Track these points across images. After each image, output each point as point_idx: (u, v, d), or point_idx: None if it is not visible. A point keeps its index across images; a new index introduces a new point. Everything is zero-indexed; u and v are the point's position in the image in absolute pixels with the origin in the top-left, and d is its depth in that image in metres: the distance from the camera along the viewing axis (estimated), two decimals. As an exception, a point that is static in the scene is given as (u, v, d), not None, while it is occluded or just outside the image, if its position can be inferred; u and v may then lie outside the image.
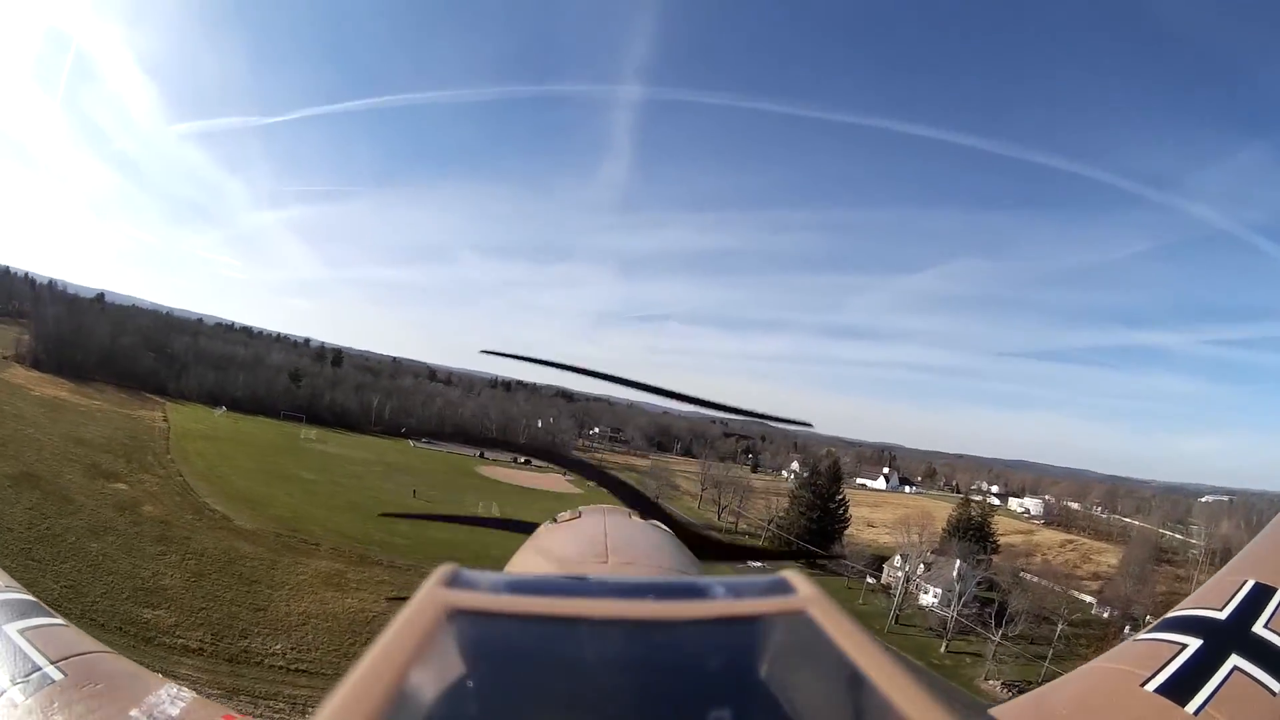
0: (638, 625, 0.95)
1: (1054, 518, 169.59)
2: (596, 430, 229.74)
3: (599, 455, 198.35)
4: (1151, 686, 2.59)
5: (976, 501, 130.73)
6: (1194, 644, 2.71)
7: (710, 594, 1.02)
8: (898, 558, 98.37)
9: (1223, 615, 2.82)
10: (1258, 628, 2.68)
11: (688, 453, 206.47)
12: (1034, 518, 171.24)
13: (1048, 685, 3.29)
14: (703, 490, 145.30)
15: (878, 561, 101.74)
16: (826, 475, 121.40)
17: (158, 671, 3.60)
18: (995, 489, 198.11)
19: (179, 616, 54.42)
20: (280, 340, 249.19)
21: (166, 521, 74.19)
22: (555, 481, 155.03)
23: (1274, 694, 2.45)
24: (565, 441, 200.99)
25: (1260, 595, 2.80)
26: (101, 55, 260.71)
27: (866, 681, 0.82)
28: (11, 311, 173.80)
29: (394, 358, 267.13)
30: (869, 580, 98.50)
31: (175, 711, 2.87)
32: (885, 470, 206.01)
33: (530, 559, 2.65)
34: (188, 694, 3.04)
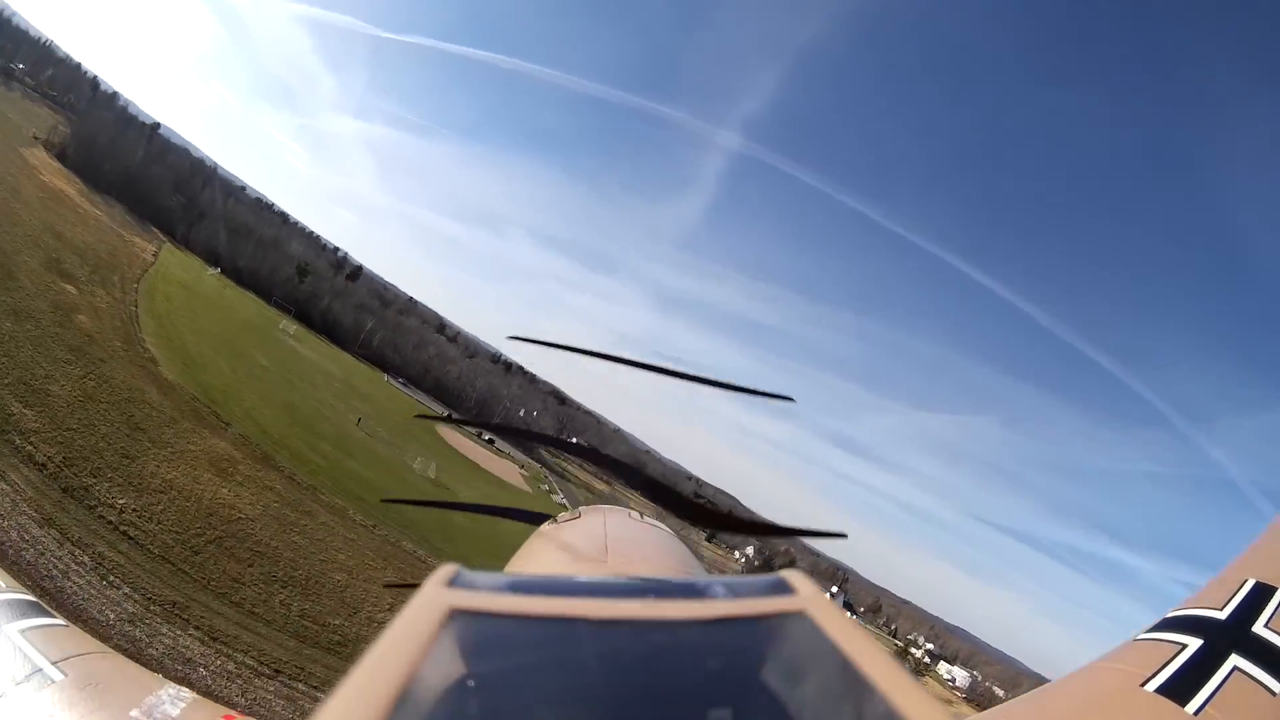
0: (638, 625, 0.97)
1: (978, 696, 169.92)
2: (576, 440, 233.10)
3: (565, 464, 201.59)
4: (1151, 686, 2.64)
5: (912, 655, 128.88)
6: (1194, 644, 2.77)
7: (710, 594, 1.04)
8: None
9: (1223, 615, 2.88)
10: (1258, 627, 2.74)
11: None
12: (957, 688, 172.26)
13: (1048, 685, 3.34)
14: None
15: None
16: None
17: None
18: (930, 647, 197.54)
19: (44, 424, 53.46)
20: (310, 237, 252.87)
21: (91, 337, 73.65)
22: (508, 471, 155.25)
23: (1274, 694, 2.51)
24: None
25: (1261, 595, 2.88)
26: None
27: (866, 681, 0.84)
28: (65, 104, 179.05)
29: (411, 298, 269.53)
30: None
31: (175, 712, 2.95)
32: (834, 589, 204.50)
33: (530, 559, 2.72)
34: (188, 694, 3.12)
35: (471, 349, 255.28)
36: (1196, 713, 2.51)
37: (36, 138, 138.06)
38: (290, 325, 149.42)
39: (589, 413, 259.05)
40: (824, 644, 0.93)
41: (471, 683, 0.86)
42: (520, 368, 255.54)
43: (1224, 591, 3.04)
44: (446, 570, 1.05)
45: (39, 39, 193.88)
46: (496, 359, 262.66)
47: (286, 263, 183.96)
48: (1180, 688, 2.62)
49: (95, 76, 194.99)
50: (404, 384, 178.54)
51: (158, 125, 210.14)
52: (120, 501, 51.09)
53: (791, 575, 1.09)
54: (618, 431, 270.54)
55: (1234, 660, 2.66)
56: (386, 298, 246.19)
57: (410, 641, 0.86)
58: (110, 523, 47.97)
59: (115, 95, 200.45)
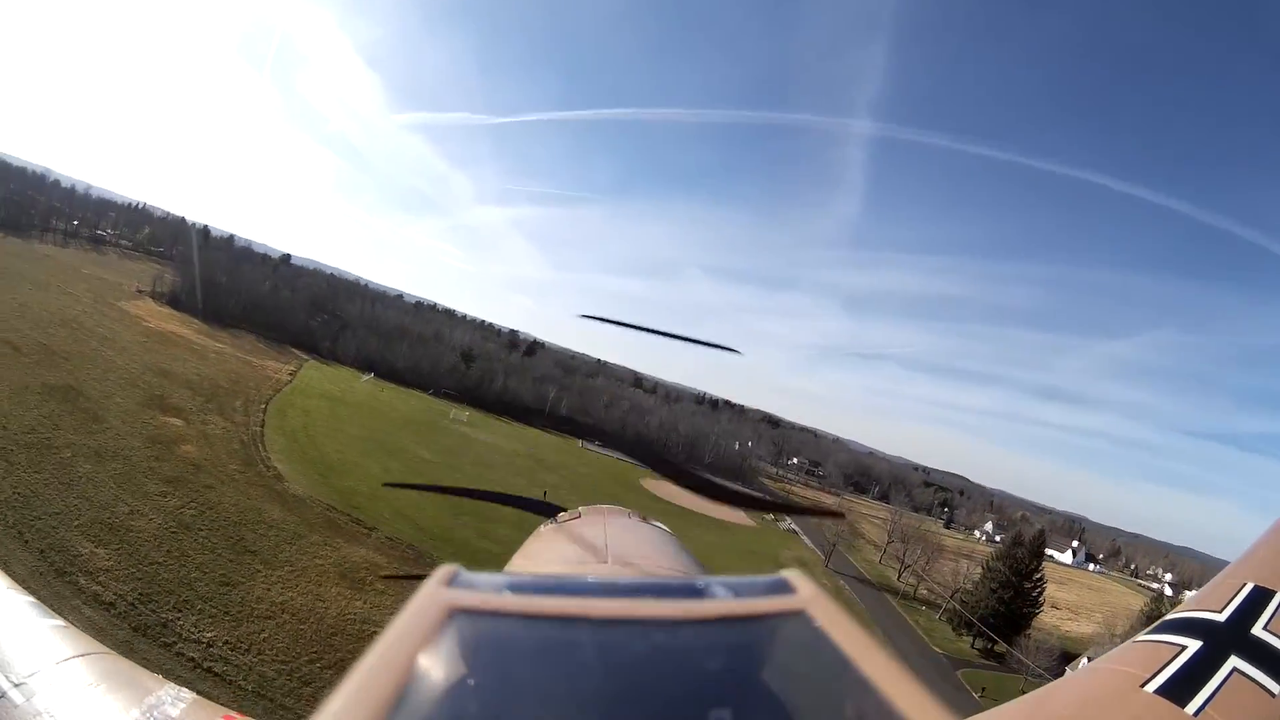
0: (638, 625, 1.02)
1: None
2: (795, 460, 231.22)
3: (791, 487, 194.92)
4: (1151, 687, 2.82)
5: (1160, 596, 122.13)
6: (1194, 645, 2.96)
7: (710, 594, 1.10)
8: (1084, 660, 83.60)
9: (1222, 617, 3.07)
10: (1256, 630, 2.93)
11: (884, 497, 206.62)
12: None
13: (1049, 686, 3.50)
14: (888, 542, 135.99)
15: (1064, 659, 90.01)
16: (1029, 548, 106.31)
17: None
18: (1170, 577, 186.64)
19: (119, 561, 47.83)
20: (479, 325, 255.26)
21: (198, 465, 68.79)
22: (726, 508, 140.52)
23: (1273, 695, 2.67)
24: (757, 468, 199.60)
25: (1259, 598, 3.07)
26: (312, 41, 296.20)
27: (866, 681, 0.89)
28: (171, 256, 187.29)
29: (600, 360, 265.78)
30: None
31: (175, 712, 3.15)
32: (1074, 544, 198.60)
33: (531, 559, 2.98)
34: (188, 695, 3.33)
35: (674, 395, 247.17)
36: (1196, 713, 2.60)
37: (141, 290, 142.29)
38: (462, 413, 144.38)
39: (804, 429, 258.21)
40: (824, 644, 0.97)
41: (471, 682, 0.90)
42: (727, 403, 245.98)
43: (1223, 595, 3.17)
44: (446, 570, 1.10)
45: (129, 204, 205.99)
46: (701, 399, 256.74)
47: (450, 354, 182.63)
48: (1180, 689, 2.73)
49: (205, 225, 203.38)
50: (601, 445, 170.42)
51: (288, 257, 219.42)
52: (208, 635, 43.77)
53: (791, 575, 1.15)
54: (837, 441, 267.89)
55: (1233, 662, 2.78)
56: (571, 365, 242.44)
57: (410, 641, 0.90)
58: (191, 660, 40.94)
59: (231, 238, 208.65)
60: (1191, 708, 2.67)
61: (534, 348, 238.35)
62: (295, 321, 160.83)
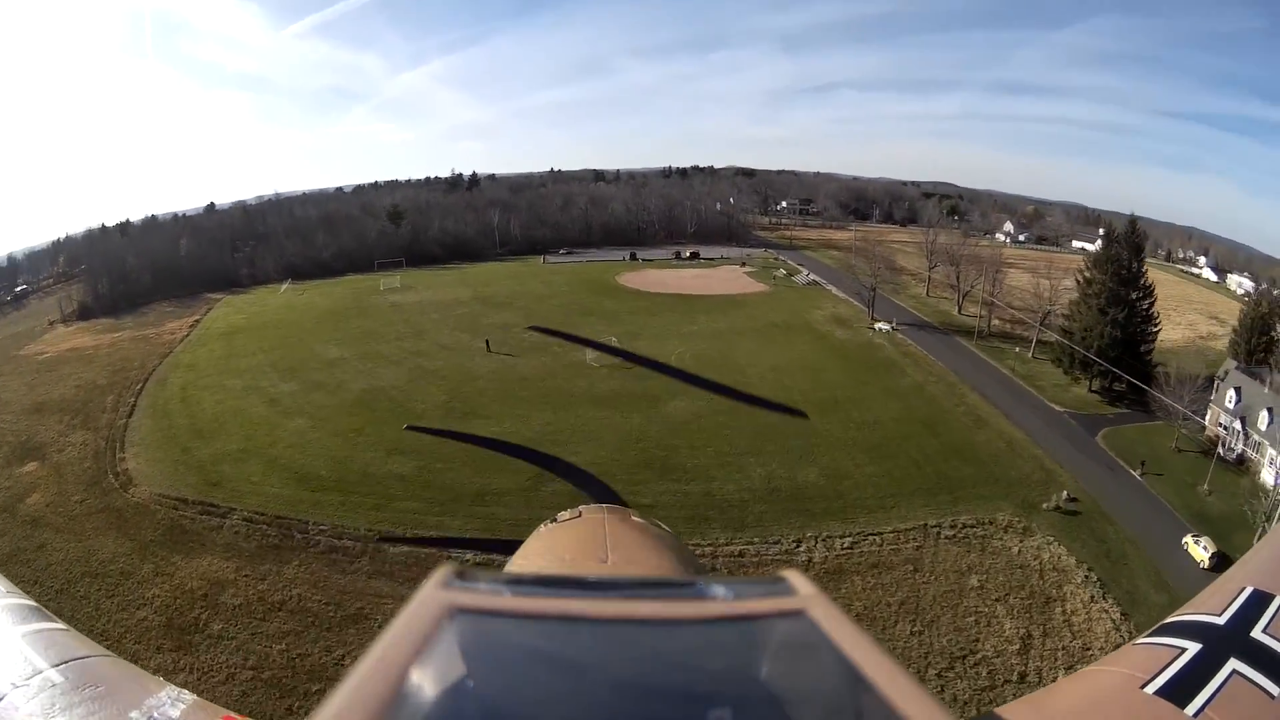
0: (638, 625, 1.01)
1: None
2: (784, 204, 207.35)
3: (789, 232, 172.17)
4: (1151, 689, 2.76)
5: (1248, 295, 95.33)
6: (1193, 648, 2.91)
7: (710, 594, 1.09)
8: (1232, 391, 63.13)
9: (1222, 620, 3.03)
10: (1256, 633, 2.88)
11: (889, 219, 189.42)
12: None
13: (1047, 687, 3.55)
14: (930, 269, 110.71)
15: (1209, 385, 67.27)
16: (1126, 245, 77.31)
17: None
18: (1205, 260, 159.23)
19: None
20: (425, 183, 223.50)
21: (37, 519, 50.05)
22: (728, 279, 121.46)
23: (1272, 697, 2.63)
24: (748, 221, 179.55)
25: (1259, 601, 3.03)
26: (182, 4, 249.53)
27: (866, 681, 0.87)
28: (80, 273, 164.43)
29: (553, 168, 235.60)
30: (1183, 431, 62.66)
31: (175, 713, 3.01)
32: (1100, 231, 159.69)
33: (531, 558, 2.85)
34: (188, 696, 3.17)
35: (640, 179, 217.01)
36: (1196, 715, 2.57)
37: (51, 321, 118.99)
38: (394, 279, 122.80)
39: (783, 172, 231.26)
40: (824, 644, 0.94)
41: (471, 682, 0.88)
42: (695, 168, 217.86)
43: (1222, 598, 3.14)
44: (446, 570, 1.07)
45: (39, 249, 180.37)
46: (666, 173, 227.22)
47: (375, 222, 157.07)
48: (1180, 690, 2.68)
49: (124, 220, 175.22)
50: (567, 253, 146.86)
51: (212, 205, 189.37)
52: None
53: (792, 575, 1.12)
54: (819, 175, 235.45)
55: (1233, 664, 2.74)
56: (522, 184, 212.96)
57: (410, 641, 0.87)
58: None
59: (153, 218, 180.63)
60: (1191, 709, 2.60)
61: (475, 180, 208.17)
62: (211, 266, 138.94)
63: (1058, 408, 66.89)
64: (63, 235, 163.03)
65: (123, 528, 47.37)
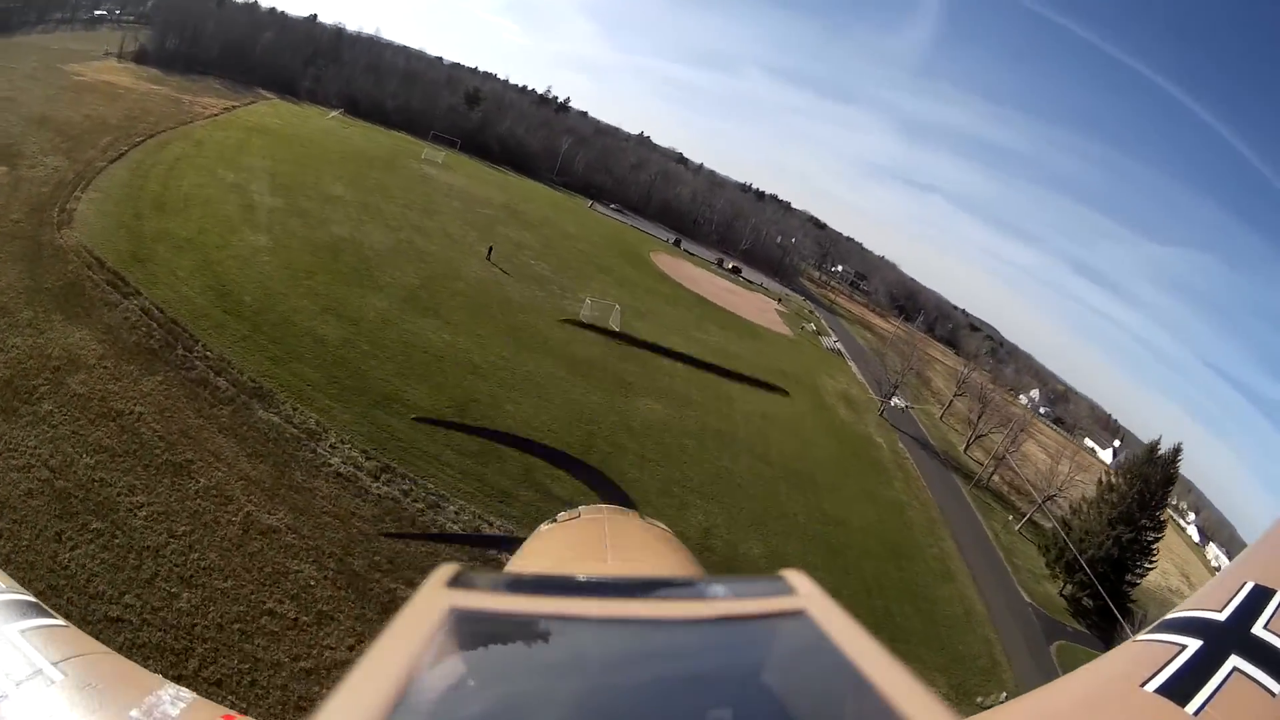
0: (638, 625, 0.99)
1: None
2: (840, 268, 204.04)
3: (834, 295, 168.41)
4: (1151, 687, 2.72)
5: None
6: (1194, 645, 2.85)
7: (710, 594, 1.07)
8: None
9: (1222, 617, 2.95)
10: (1257, 629, 2.81)
11: (930, 330, 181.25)
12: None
13: (1047, 686, 3.42)
14: (955, 395, 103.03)
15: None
16: (1161, 469, 68.32)
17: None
18: (1192, 518, 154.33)
19: None
20: (520, 89, 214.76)
21: None
22: (758, 306, 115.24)
23: (1273, 694, 2.57)
24: (798, 266, 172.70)
25: (1259, 597, 2.94)
26: None
27: (866, 681, 0.86)
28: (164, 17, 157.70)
29: (642, 132, 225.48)
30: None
31: (175, 712, 2.97)
32: (1116, 443, 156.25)
33: (531, 558, 2.82)
34: (188, 694, 3.13)
35: (719, 180, 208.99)
36: (1196, 713, 2.53)
37: (108, 53, 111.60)
38: (438, 154, 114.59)
39: (850, 240, 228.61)
40: (824, 644, 0.93)
41: (471, 682, 0.87)
42: (775, 197, 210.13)
43: (1223, 594, 3.05)
44: (446, 570, 1.06)
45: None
46: (745, 188, 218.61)
47: (452, 95, 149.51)
48: (1180, 688, 2.64)
49: None
50: (617, 208, 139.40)
51: (314, 16, 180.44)
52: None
53: (792, 575, 1.10)
54: (883, 259, 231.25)
55: (1233, 661, 2.67)
56: (606, 129, 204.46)
57: (410, 641, 0.86)
58: None
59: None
60: (1191, 707, 2.56)
61: (566, 105, 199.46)
62: (279, 66, 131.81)
63: (1025, 596, 59.96)
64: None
65: (31, 263, 40.45)
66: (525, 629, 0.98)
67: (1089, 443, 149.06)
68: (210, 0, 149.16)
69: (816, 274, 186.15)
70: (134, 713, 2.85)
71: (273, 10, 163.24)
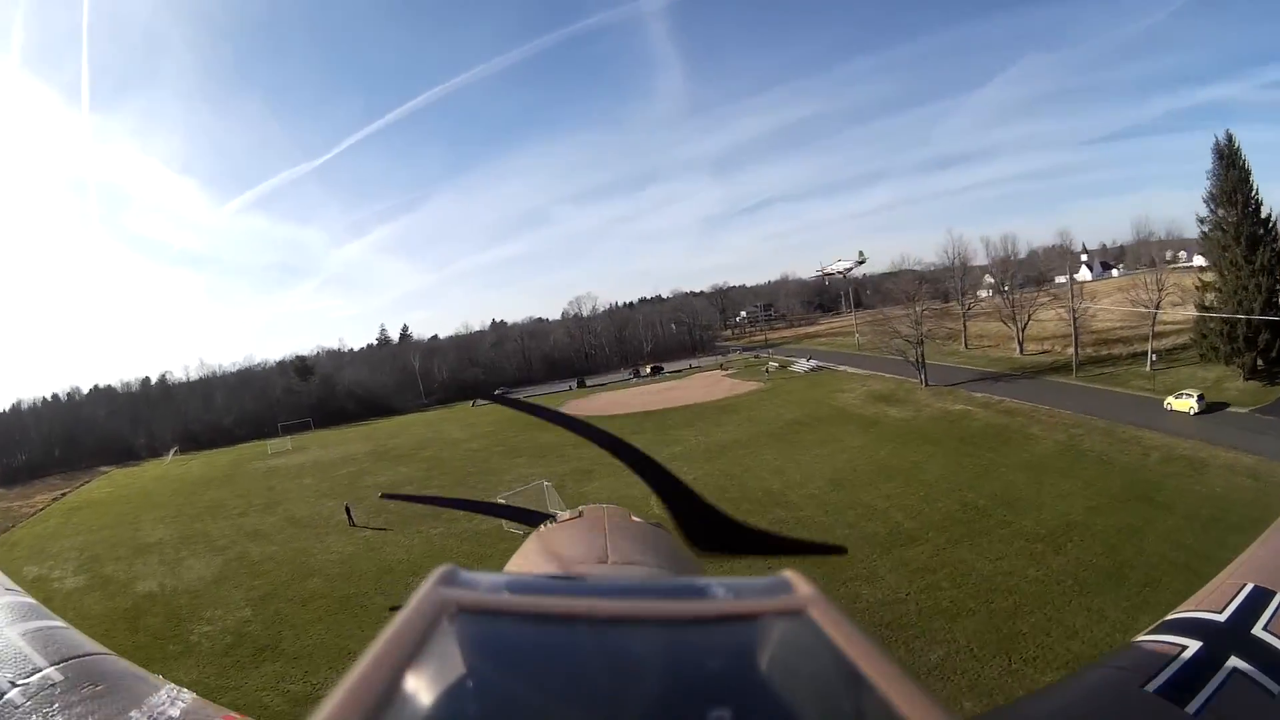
0: (638, 624, 0.97)
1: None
2: (743, 314, 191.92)
3: (761, 335, 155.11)
4: (1151, 688, 2.68)
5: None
6: (1193, 646, 2.82)
7: (710, 593, 1.04)
8: None
9: (1222, 618, 2.95)
10: (1257, 630, 2.81)
11: (858, 305, 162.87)
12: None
13: (1047, 687, 3.41)
14: (966, 313, 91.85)
15: None
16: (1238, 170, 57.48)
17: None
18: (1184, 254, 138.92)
19: None
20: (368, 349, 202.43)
21: None
22: (708, 385, 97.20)
23: (1273, 695, 2.56)
24: (712, 337, 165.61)
25: (1259, 598, 2.96)
26: (125, 178, 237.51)
27: (866, 681, 0.84)
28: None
29: (494, 319, 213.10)
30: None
31: (175, 712, 2.97)
32: (1084, 257, 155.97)
33: (530, 558, 2.76)
34: (188, 695, 3.12)
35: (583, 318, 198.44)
36: (1196, 713, 2.47)
37: None
38: (285, 442, 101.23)
39: (735, 287, 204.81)
40: (824, 644, 0.92)
41: (471, 682, 0.85)
42: (644, 299, 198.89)
43: (1223, 595, 3.06)
44: (445, 570, 1.04)
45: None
46: (612, 311, 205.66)
47: (281, 380, 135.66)
48: (1180, 689, 2.59)
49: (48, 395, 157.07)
50: (503, 393, 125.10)
51: (147, 379, 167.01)
52: None
53: (792, 575, 1.08)
54: (786, 279, 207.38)
55: (1233, 662, 2.65)
56: (457, 338, 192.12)
57: (410, 641, 0.85)
58: None
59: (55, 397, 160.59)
60: (1191, 708, 2.49)
61: (404, 334, 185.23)
62: (110, 438, 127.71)
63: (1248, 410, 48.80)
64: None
65: None
66: (525, 629, 0.96)
67: (1061, 278, 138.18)
68: (20, 409, 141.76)
69: (728, 331, 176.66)
70: (134, 713, 2.80)
71: (96, 388, 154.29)
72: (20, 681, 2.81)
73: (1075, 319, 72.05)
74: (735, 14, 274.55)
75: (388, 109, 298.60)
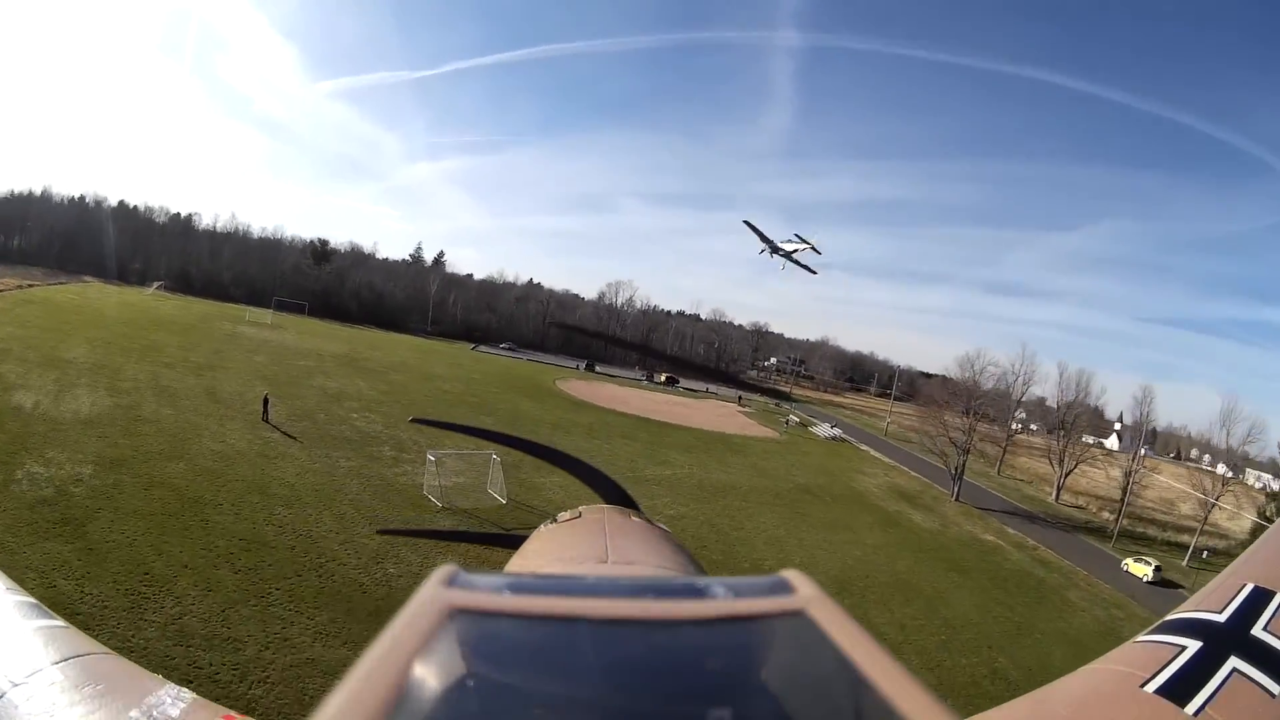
0: (638, 625, 0.97)
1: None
2: (773, 360, 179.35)
3: (787, 386, 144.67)
4: (1151, 688, 2.69)
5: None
6: (1193, 646, 2.82)
7: (710, 594, 1.04)
8: None
9: (1222, 618, 2.94)
10: (1257, 630, 2.80)
11: (885, 392, 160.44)
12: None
13: (1047, 686, 3.29)
14: (1009, 439, 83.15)
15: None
16: None
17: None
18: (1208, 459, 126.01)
19: None
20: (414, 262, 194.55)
21: None
22: (720, 414, 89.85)
23: (1272, 695, 2.55)
24: (739, 370, 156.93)
25: (1259, 599, 2.95)
26: (228, 24, 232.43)
27: (866, 682, 0.84)
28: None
29: (531, 279, 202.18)
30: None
31: (175, 712, 2.93)
32: (1117, 425, 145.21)
33: (530, 558, 2.74)
34: (188, 695, 3.08)
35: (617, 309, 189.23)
36: (1196, 714, 2.47)
37: None
38: (266, 316, 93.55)
39: (770, 332, 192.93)
40: (824, 644, 0.92)
41: (471, 682, 0.85)
42: (682, 313, 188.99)
43: (1223, 595, 3.04)
44: (446, 570, 1.04)
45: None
46: (648, 311, 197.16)
47: (293, 256, 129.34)
48: (1180, 689, 2.59)
49: (114, 200, 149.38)
50: (508, 348, 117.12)
51: (178, 214, 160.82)
52: None
53: (792, 575, 1.08)
54: (809, 340, 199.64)
55: (1233, 662, 2.64)
56: (492, 285, 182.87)
57: (410, 641, 0.85)
58: None
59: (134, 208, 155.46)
60: (1191, 708, 2.50)
61: (438, 260, 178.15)
62: (106, 254, 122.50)
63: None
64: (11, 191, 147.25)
65: None
66: (525, 629, 0.96)
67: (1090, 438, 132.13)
68: (45, 201, 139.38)
69: (754, 371, 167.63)
70: (134, 713, 2.77)
71: (121, 204, 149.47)
72: (20, 681, 2.78)
73: (1129, 484, 67.00)
74: (856, 76, 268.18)
75: (504, 48, 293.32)
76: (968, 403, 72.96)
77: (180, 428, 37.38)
